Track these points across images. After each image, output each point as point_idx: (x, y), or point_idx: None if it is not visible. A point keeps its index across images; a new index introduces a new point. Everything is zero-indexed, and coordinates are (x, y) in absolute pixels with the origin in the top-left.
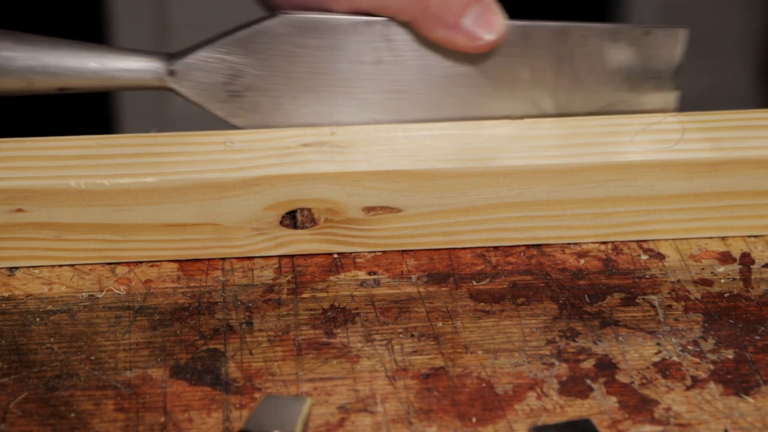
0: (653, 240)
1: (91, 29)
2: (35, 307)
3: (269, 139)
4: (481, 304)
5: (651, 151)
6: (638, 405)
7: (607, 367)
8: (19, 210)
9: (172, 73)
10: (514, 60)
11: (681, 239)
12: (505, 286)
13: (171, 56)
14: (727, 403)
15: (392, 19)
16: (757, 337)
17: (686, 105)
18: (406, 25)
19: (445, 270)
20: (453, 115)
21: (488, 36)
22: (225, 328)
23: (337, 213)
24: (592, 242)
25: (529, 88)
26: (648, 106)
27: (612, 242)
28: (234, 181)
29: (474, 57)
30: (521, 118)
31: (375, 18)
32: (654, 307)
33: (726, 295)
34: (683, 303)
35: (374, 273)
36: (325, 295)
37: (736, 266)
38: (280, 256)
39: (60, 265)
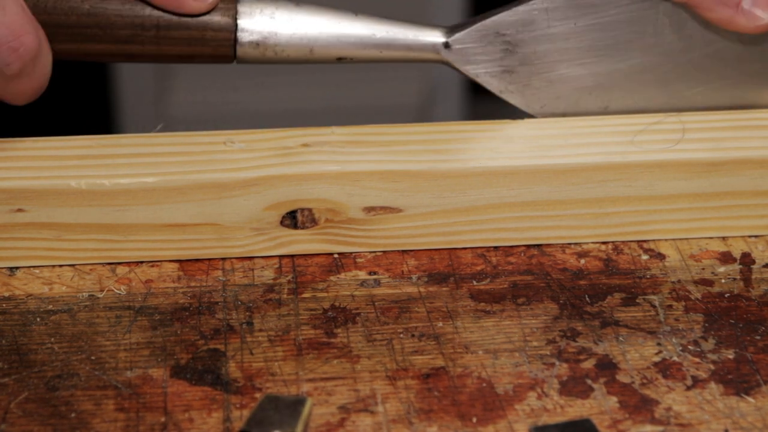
0: (654, 240)
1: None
2: (36, 307)
3: (269, 139)
4: (482, 304)
5: (651, 151)
6: (639, 405)
7: (607, 367)
8: (20, 210)
9: (447, 45)
10: None
11: (681, 239)
12: (505, 286)
13: (448, 29)
14: (728, 403)
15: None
16: (758, 337)
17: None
18: (683, 5)
19: (445, 270)
20: (721, 101)
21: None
22: (225, 328)
23: (338, 213)
24: (593, 242)
25: None
26: None
27: (612, 242)
28: (234, 181)
29: (750, 40)
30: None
31: None
32: (654, 307)
33: (726, 295)
34: (684, 303)
35: (375, 273)
36: (325, 295)
37: (737, 266)
38: (281, 256)
39: (60, 265)
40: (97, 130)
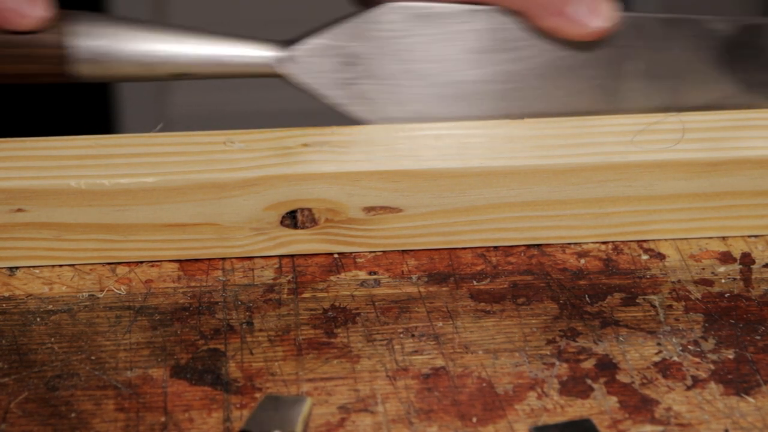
0: (654, 240)
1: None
2: (36, 307)
3: (269, 139)
4: (482, 304)
5: (651, 151)
6: (639, 405)
7: (607, 367)
8: (20, 210)
9: (284, 60)
10: (625, 52)
11: (681, 239)
12: (505, 286)
13: (284, 44)
14: (728, 403)
15: (500, 8)
16: (758, 337)
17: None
18: (515, 14)
19: (445, 270)
20: (561, 108)
21: (596, 23)
22: (225, 327)
23: (338, 213)
24: (593, 242)
25: (642, 81)
26: (760, 103)
27: (612, 242)
28: (234, 181)
29: (584, 48)
30: (521, 118)
31: (482, 7)
32: (654, 307)
33: (726, 295)
34: (684, 303)
35: (375, 273)
36: (325, 295)
37: (737, 266)
38: (281, 256)
39: (60, 265)
40: (97, 130)
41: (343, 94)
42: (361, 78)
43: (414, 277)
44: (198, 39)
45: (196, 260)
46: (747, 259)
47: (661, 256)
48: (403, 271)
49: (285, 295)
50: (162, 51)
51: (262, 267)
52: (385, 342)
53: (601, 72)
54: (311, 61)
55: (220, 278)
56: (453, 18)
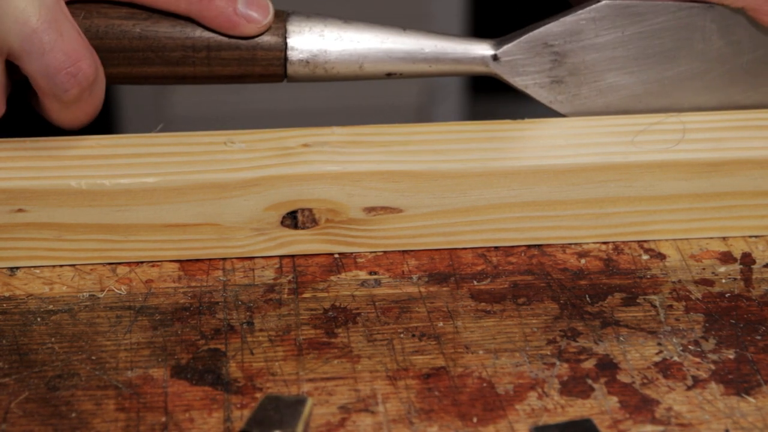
0: (654, 240)
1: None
2: (36, 307)
3: (270, 139)
4: (482, 304)
5: (651, 151)
6: (639, 405)
7: (608, 367)
8: (20, 210)
9: (496, 58)
10: None
11: (682, 239)
12: (506, 286)
13: (496, 42)
14: (728, 403)
15: (722, 5)
16: (758, 337)
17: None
18: (738, 11)
19: (446, 270)
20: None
21: None
22: (226, 327)
23: (338, 213)
24: (593, 242)
25: None
26: None
27: (613, 242)
28: (234, 181)
29: None
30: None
31: (700, 3)
32: (655, 307)
33: (727, 295)
34: (684, 303)
35: (375, 273)
36: (326, 295)
37: (737, 266)
38: (281, 256)
39: (61, 265)
40: (97, 130)
41: (551, 92)
42: (569, 75)
43: (414, 277)
44: (411, 37)
45: (197, 260)
46: (747, 259)
47: (662, 256)
48: (403, 271)
49: (285, 295)
50: (375, 50)
51: (263, 267)
52: (385, 342)
53: None
54: (522, 59)
55: (221, 278)
56: (663, 14)
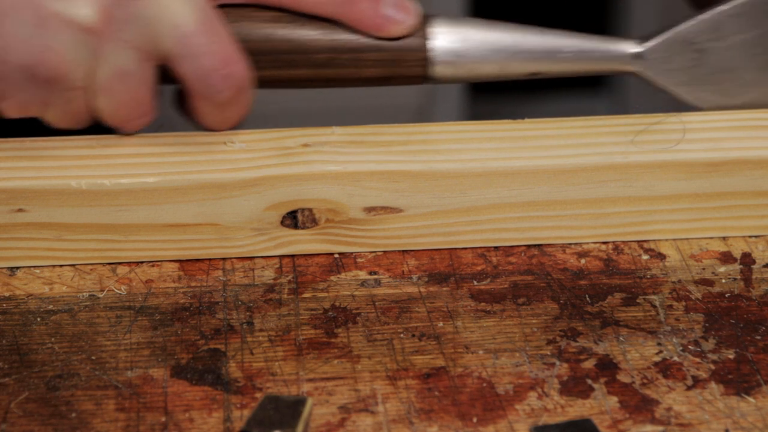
0: (654, 240)
1: None
2: (36, 307)
3: (269, 139)
4: (482, 304)
5: (651, 151)
6: (639, 405)
7: (608, 367)
8: (20, 210)
9: (639, 56)
10: None
11: (682, 239)
12: (506, 286)
13: (639, 40)
14: (728, 403)
15: None
16: (758, 337)
17: (686, 105)
18: None
19: (446, 270)
20: None
21: None
22: (226, 327)
23: (338, 213)
24: (593, 242)
25: None
26: None
27: (613, 242)
28: (234, 181)
29: None
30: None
31: None
32: (655, 307)
33: (727, 295)
34: (684, 303)
35: (375, 273)
36: (325, 295)
37: (737, 266)
38: (281, 256)
39: (61, 265)
40: (98, 130)
41: (692, 90)
42: (711, 73)
43: (414, 277)
44: (554, 36)
45: (197, 260)
46: (747, 259)
47: (662, 256)
48: (403, 271)
49: (285, 295)
50: (518, 50)
51: (263, 267)
52: (385, 342)
53: None
54: (665, 57)
55: (221, 278)
56: None
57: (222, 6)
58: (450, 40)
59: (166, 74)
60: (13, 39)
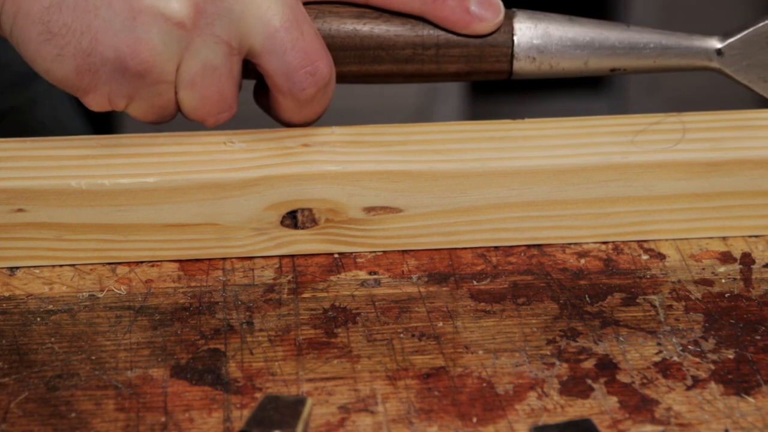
0: (654, 240)
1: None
2: (36, 306)
3: (269, 139)
4: (482, 304)
5: (651, 151)
6: (639, 405)
7: (607, 367)
8: (20, 210)
9: (720, 52)
10: None
11: (681, 239)
12: (505, 286)
13: (720, 36)
14: (728, 403)
15: None
16: (758, 337)
17: (686, 105)
18: None
19: (445, 270)
20: None
21: None
22: (226, 327)
23: (338, 213)
24: (593, 242)
25: None
26: None
27: (612, 242)
28: (234, 181)
29: None
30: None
31: None
32: (655, 307)
33: (727, 295)
34: (684, 303)
35: (375, 273)
36: (325, 294)
37: (737, 266)
38: (281, 256)
39: (61, 265)
40: (98, 130)
41: None
42: None
43: (414, 277)
44: (635, 32)
45: (197, 260)
46: (747, 259)
47: (662, 256)
48: (403, 271)
49: (285, 295)
50: (600, 45)
51: (263, 267)
52: (385, 342)
53: None
54: (746, 54)
55: (221, 278)
56: None
57: (308, 2)
58: (533, 35)
59: (247, 69)
60: (104, 31)
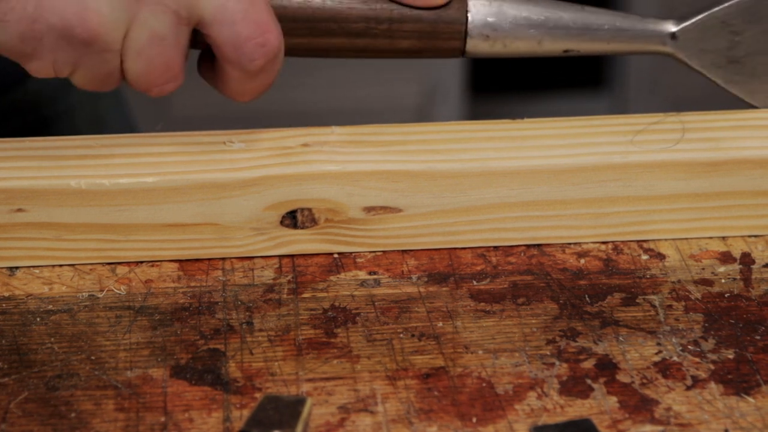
0: (654, 240)
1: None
2: (36, 307)
3: (269, 139)
4: (482, 303)
5: (651, 151)
6: (639, 405)
7: (607, 367)
8: (20, 210)
9: (674, 36)
10: None
11: (681, 239)
12: (505, 285)
13: (674, 21)
14: (728, 403)
15: None
16: (758, 337)
17: (686, 105)
18: None
19: (445, 270)
20: None
21: None
22: (225, 327)
23: (338, 213)
24: (593, 242)
25: None
26: None
27: (612, 242)
28: (234, 181)
29: None
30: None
31: None
32: (654, 307)
33: (726, 295)
34: (684, 303)
35: (375, 273)
36: (325, 294)
37: (737, 266)
38: (281, 256)
39: (60, 265)
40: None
41: (727, 72)
42: (746, 56)
43: (414, 277)
44: (590, 13)
45: (196, 260)
46: (747, 259)
47: (661, 256)
48: (403, 271)
49: (285, 295)
50: (554, 26)
51: (262, 267)
52: (385, 342)
53: None
54: (700, 38)
55: (220, 278)
56: None
57: None
58: (487, 13)
59: (194, 39)
60: None
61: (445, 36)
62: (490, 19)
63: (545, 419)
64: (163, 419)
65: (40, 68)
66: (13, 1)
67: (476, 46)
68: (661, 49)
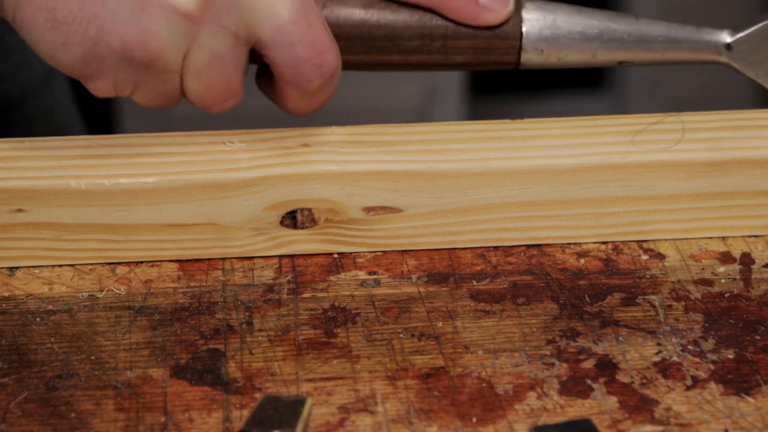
0: (653, 240)
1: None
2: (35, 307)
3: (269, 139)
4: (482, 304)
5: (651, 151)
6: (639, 405)
7: (607, 367)
8: (20, 210)
9: (729, 47)
10: None
11: (681, 239)
12: (505, 286)
13: (730, 31)
14: (728, 403)
15: None
16: (758, 337)
17: (686, 105)
18: None
19: (445, 270)
20: None
21: None
22: (225, 328)
23: (338, 213)
24: (593, 242)
25: None
26: None
27: (612, 242)
28: (234, 181)
29: None
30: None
31: None
32: (654, 307)
33: (726, 295)
34: (683, 303)
35: (374, 273)
36: (325, 295)
37: (737, 266)
38: (281, 256)
39: (60, 265)
40: (97, 130)
41: None
42: None
43: (414, 277)
44: (644, 24)
45: (196, 260)
46: (747, 259)
47: (661, 256)
48: (403, 271)
49: (285, 295)
50: (609, 38)
51: (262, 267)
52: (384, 342)
53: None
54: (755, 49)
55: (220, 278)
56: None
57: None
58: (541, 27)
59: (252, 56)
60: (112, 20)
61: (500, 51)
62: (544, 33)
63: (545, 419)
64: (163, 419)
65: (101, 88)
66: (74, 24)
67: (531, 59)
68: (716, 59)
